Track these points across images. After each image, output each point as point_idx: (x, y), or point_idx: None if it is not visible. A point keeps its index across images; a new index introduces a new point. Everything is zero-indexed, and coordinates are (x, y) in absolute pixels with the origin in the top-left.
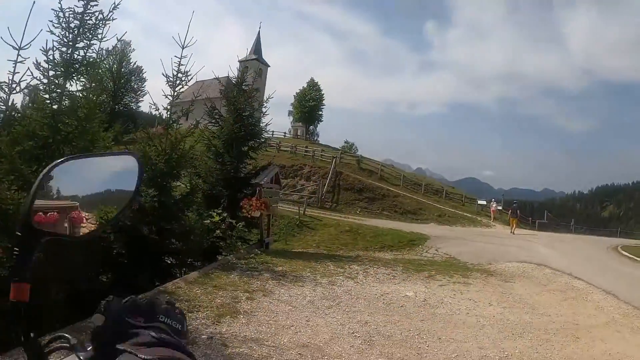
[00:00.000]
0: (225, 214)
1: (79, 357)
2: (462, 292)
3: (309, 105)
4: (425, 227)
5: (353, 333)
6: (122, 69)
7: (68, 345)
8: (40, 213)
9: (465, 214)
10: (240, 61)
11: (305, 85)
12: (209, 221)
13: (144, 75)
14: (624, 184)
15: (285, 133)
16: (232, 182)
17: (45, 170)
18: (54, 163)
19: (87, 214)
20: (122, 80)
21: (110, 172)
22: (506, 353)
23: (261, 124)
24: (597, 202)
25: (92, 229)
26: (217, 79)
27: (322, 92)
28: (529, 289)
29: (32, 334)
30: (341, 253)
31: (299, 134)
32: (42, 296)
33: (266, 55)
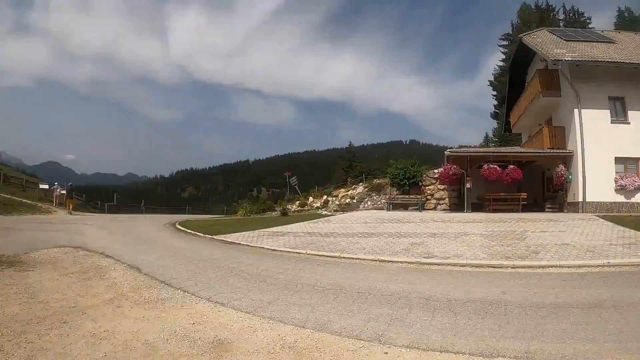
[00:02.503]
0: None
1: None
2: None
3: None
4: None
5: None
6: None
7: None
8: None
9: (25, 200)
10: None
11: None
12: None
13: None
14: (202, 168)
15: None
16: None
17: None
18: None
19: None
20: None
21: None
22: None
23: None
24: (178, 185)
25: None
26: None
27: None
28: (46, 275)
29: None
30: None
31: None
32: None
33: None
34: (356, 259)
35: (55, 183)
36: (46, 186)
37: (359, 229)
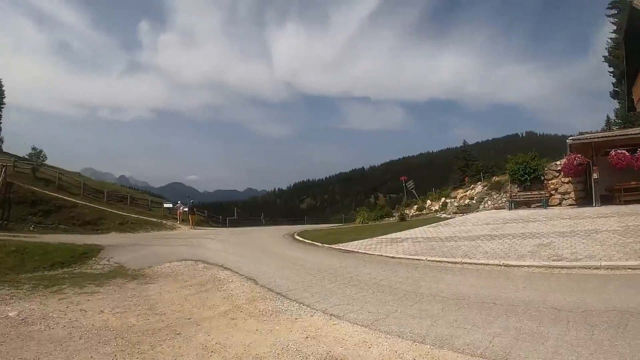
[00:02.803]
0: None
1: None
2: (80, 302)
3: None
4: (103, 238)
5: None
6: None
7: None
8: None
9: (150, 219)
10: None
11: None
12: None
13: None
14: (319, 179)
15: None
16: None
17: None
18: None
19: None
20: None
21: None
22: None
23: None
24: (296, 196)
25: None
26: None
27: (2, 88)
28: (165, 288)
29: None
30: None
31: None
32: None
33: None
34: (479, 264)
35: (178, 202)
36: (170, 205)
37: (481, 231)
